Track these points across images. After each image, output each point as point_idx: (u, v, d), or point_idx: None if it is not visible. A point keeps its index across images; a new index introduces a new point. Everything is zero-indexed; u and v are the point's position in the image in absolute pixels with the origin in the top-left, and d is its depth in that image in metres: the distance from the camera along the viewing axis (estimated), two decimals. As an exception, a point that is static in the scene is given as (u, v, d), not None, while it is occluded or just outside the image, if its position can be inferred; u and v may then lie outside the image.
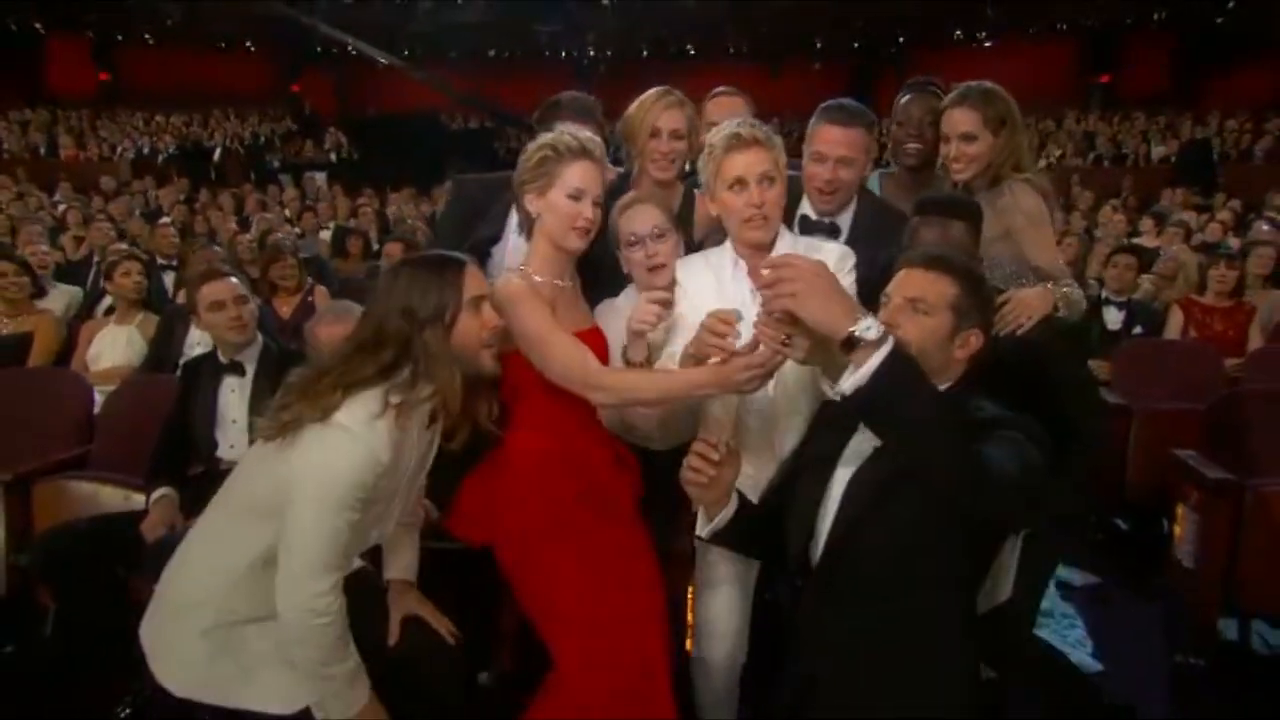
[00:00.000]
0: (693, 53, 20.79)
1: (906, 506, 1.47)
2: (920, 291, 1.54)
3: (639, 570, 1.87)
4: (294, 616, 1.56)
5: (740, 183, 1.79)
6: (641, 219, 2.02)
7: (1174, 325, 4.31)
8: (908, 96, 2.57)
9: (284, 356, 2.65)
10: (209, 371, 2.67)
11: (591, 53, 20.68)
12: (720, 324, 1.59)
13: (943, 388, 1.56)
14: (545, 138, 1.90)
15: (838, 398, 1.33)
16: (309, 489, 1.55)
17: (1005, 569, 2.00)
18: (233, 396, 2.63)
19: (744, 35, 19.97)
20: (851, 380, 1.28)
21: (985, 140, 2.24)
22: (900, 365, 1.27)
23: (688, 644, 2.11)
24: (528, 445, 1.91)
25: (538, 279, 1.90)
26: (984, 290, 1.59)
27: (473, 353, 1.68)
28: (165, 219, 6.48)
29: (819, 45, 20.15)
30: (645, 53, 20.61)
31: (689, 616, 2.23)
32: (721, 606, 1.92)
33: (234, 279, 2.72)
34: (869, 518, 1.51)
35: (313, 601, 1.55)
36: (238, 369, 2.65)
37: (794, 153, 2.88)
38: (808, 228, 2.28)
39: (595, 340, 1.97)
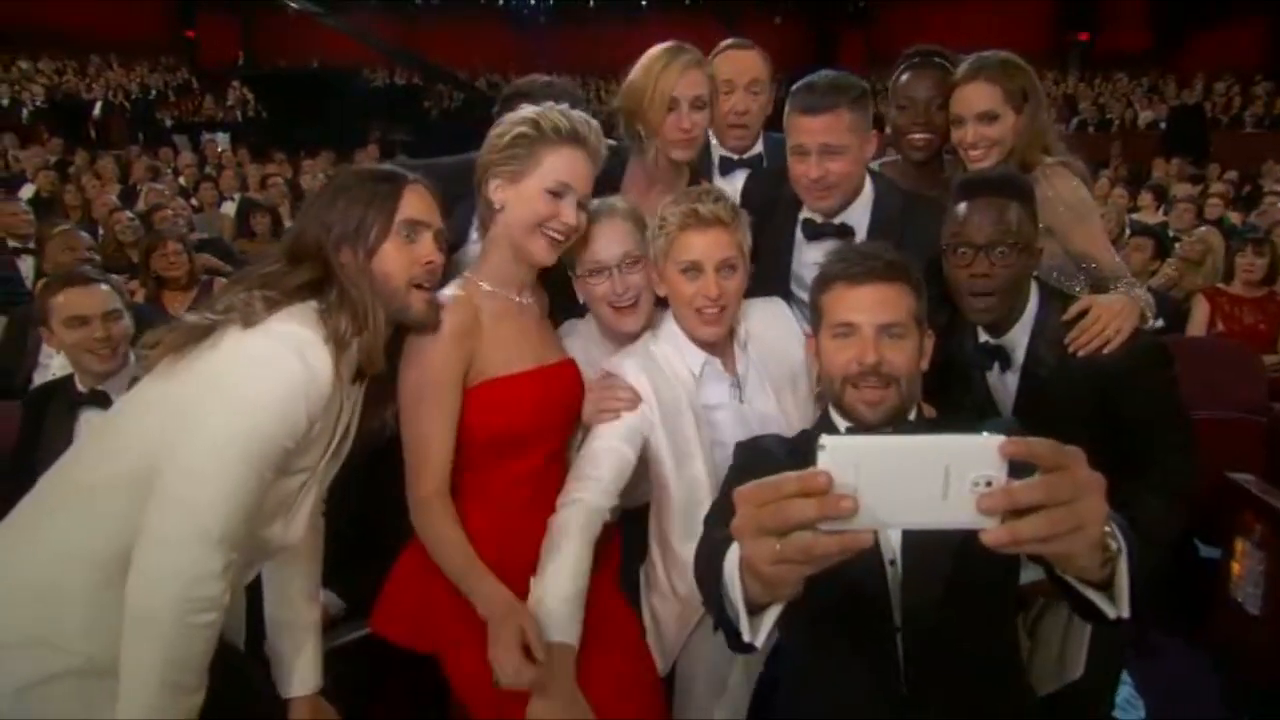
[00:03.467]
0: (644, 3, 20.33)
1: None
2: (894, 314, 1.37)
3: (628, 692, 1.59)
4: (161, 602, 1.16)
5: (695, 268, 1.63)
6: (607, 240, 1.70)
7: (1199, 318, 4.17)
8: (909, 74, 2.22)
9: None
10: (63, 402, 2.25)
11: (532, 1, 20.04)
12: None
13: (911, 416, 1.44)
14: (528, 111, 1.61)
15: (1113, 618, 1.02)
16: (223, 409, 1.23)
17: (1078, 643, 1.80)
18: (93, 435, 2.22)
19: (700, -17, 19.58)
20: (1125, 600, 0.96)
21: (1007, 120, 2.01)
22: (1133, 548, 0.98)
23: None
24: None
25: (486, 288, 1.60)
26: (924, 285, 1.46)
27: (397, 290, 1.43)
28: (26, 188, 5.85)
29: (781, -3, 19.92)
30: (591, 2, 20.09)
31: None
32: None
33: (104, 285, 2.31)
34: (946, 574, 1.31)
35: (196, 586, 1.18)
36: (100, 400, 2.23)
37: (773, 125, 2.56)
38: (814, 232, 1.98)
39: (564, 377, 1.68)
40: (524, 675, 1.39)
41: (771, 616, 1.00)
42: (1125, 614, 0.96)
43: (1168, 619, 2.96)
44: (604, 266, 1.68)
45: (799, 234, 2.01)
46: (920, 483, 0.73)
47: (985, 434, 0.73)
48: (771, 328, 1.77)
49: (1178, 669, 2.75)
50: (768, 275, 1.98)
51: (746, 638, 0.99)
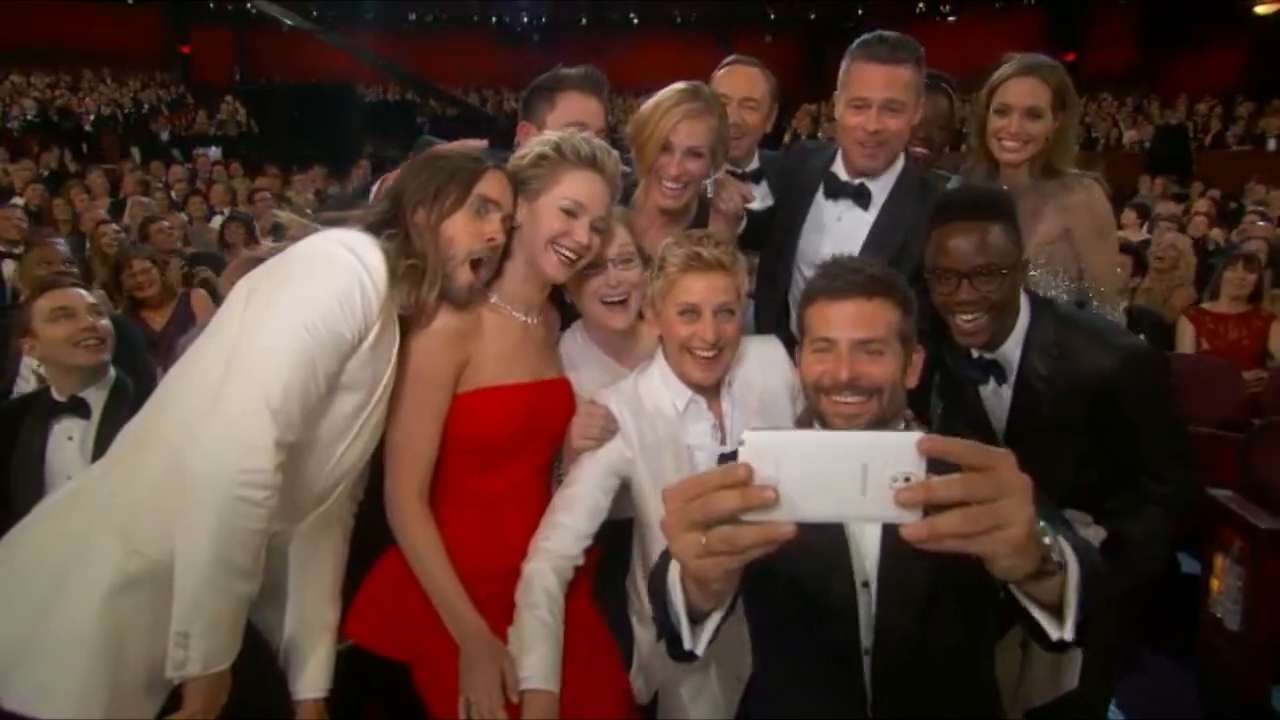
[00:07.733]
0: (635, 21, 20.49)
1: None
2: (871, 330, 1.33)
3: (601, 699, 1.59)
4: (215, 469, 1.23)
5: (693, 310, 1.61)
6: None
7: (1185, 339, 4.16)
8: None
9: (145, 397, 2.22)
10: (38, 414, 2.22)
11: (525, 19, 20.16)
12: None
13: (901, 427, 1.41)
14: (551, 135, 1.67)
15: (1058, 641, 1.00)
16: (288, 291, 1.34)
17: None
18: (69, 446, 2.19)
19: (691, 3, 19.75)
20: (1070, 622, 0.94)
21: (1048, 120, 2.10)
22: (1089, 575, 0.95)
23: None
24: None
25: (492, 300, 1.63)
26: (914, 300, 1.42)
27: (454, 258, 1.51)
28: (16, 200, 5.84)
29: (771, 16, 20.10)
30: (584, 20, 20.23)
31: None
32: None
33: (82, 290, 2.32)
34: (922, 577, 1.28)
35: (249, 456, 1.24)
36: (79, 408, 2.20)
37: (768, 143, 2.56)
38: (836, 189, 2.04)
39: (556, 394, 1.68)
40: (499, 716, 1.46)
41: (711, 625, 1.02)
42: (1068, 637, 0.95)
43: (1150, 633, 2.95)
44: (602, 260, 1.69)
45: (819, 194, 2.05)
46: (839, 477, 0.74)
47: (905, 432, 0.75)
48: (762, 372, 1.74)
49: (1159, 683, 2.74)
50: (777, 247, 2.04)
51: (686, 645, 1.01)
